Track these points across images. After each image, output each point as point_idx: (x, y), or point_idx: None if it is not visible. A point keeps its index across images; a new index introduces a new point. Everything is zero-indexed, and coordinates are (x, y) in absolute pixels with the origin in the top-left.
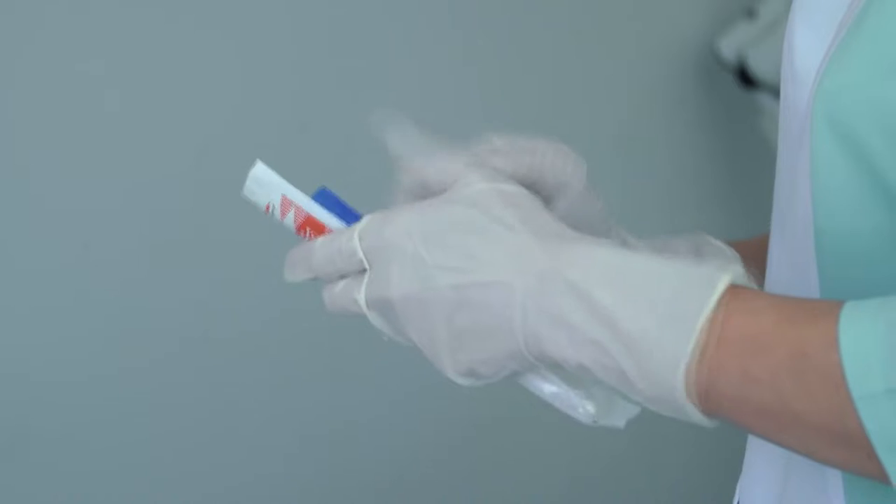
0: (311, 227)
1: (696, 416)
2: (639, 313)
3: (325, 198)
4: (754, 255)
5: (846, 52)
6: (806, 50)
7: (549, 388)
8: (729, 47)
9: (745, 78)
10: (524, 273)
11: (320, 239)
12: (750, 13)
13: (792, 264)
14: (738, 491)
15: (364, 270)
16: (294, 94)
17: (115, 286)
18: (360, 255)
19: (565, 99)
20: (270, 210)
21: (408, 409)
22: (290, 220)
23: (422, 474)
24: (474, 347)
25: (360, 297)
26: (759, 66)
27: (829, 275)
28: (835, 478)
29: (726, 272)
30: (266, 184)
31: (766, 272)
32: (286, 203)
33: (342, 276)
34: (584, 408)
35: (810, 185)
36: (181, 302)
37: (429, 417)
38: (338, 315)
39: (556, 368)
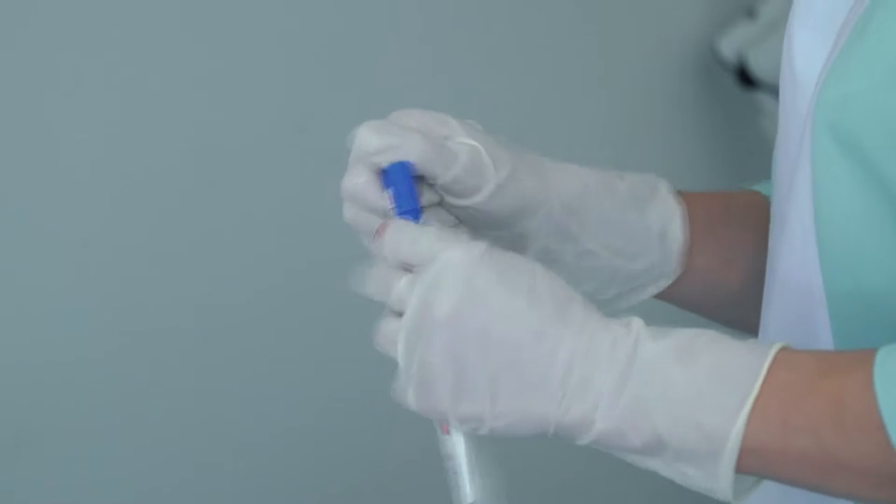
0: None
1: (727, 487)
2: (690, 378)
3: (395, 173)
4: (710, 201)
5: (848, 60)
6: (806, 55)
7: (460, 450)
8: (729, 47)
9: (745, 78)
10: (577, 332)
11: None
12: (750, 13)
13: (793, 267)
14: None
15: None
16: (293, 95)
17: (116, 285)
18: (418, 254)
19: (563, 99)
20: None
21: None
22: None
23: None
24: (487, 391)
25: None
26: (759, 66)
27: (833, 279)
28: None
29: (776, 342)
30: None
31: (767, 269)
32: None
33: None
34: (464, 491)
35: (811, 191)
36: (181, 300)
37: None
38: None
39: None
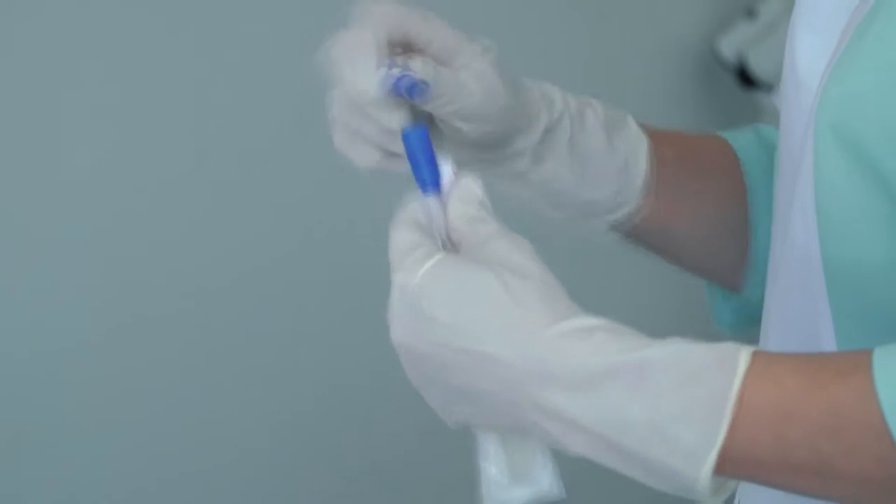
0: None
1: (707, 500)
2: (655, 405)
3: (410, 139)
4: (673, 143)
5: (851, 60)
6: (809, 55)
7: (490, 449)
8: (729, 47)
9: (745, 78)
10: (529, 356)
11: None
12: (750, 13)
13: (795, 270)
14: (737, 495)
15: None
16: (294, 94)
17: (115, 285)
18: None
19: None
20: None
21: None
22: None
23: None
24: (466, 405)
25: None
26: (759, 66)
27: (835, 277)
28: None
29: (744, 350)
30: None
31: (769, 273)
32: None
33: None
34: (493, 471)
35: (813, 191)
36: (181, 301)
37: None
38: None
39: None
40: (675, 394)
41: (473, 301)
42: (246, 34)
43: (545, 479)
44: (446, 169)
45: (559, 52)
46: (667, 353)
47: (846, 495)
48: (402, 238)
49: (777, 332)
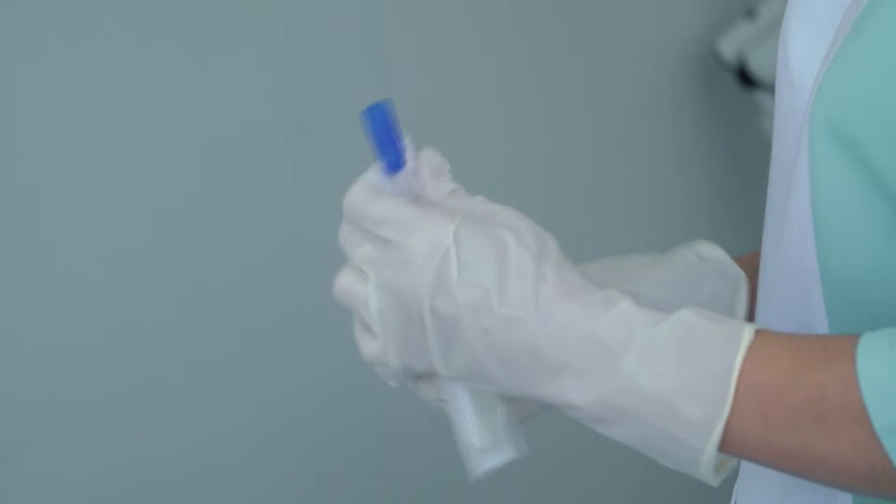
0: None
1: (710, 477)
2: (663, 378)
3: (375, 115)
4: (753, 267)
5: (846, 58)
6: (802, 54)
7: (463, 402)
8: (729, 47)
9: (745, 78)
10: (548, 320)
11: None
12: (750, 13)
13: (789, 271)
14: (734, 494)
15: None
16: (294, 95)
17: (114, 288)
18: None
19: (564, 99)
20: None
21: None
22: None
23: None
24: (470, 363)
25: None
26: (759, 66)
27: (831, 276)
28: None
29: (747, 328)
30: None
31: (760, 276)
32: None
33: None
34: (473, 439)
35: (809, 190)
36: (182, 300)
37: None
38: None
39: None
40: (680, 368)
41: (503, 266)
42: (247, 37)
43: (521, 440)
44: (407, 144)
45: (560, 53)
46: (674, 327)
47: (827, 480)
48: (397, 206)
49: (773, 325)
